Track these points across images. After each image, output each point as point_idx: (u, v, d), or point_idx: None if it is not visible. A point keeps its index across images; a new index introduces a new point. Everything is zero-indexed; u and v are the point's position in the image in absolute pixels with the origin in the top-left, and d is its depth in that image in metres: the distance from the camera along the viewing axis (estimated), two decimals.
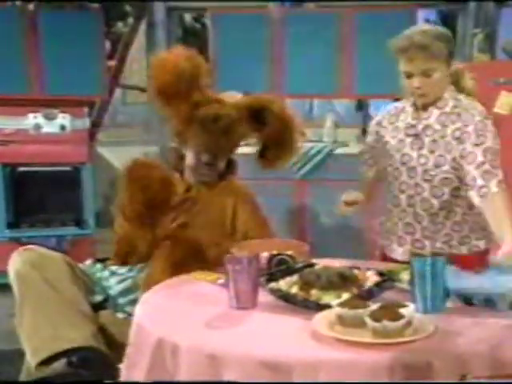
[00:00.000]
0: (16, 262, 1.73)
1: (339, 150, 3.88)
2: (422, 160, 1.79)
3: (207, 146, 1.93)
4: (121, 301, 1.78)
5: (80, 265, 1.89)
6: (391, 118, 1.93)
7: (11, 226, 3.76)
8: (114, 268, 1.90)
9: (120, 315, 1.76)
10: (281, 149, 1.99)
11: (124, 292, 1.79)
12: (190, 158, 1.97)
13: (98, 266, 1.91)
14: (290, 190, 3.88)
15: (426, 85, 1.76)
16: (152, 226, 1.88)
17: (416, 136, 1.82)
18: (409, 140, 1.84)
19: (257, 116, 1.97)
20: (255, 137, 2.03)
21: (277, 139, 1.97)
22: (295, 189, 3.89)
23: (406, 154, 1.83)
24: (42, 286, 1.68)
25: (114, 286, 1.82)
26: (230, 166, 2.06)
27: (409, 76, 1.78)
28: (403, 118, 1.89)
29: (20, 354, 1.76)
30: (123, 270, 1.88)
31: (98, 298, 1.82)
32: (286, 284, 1.45)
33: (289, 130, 1.98)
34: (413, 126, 1.84)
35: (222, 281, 1.53)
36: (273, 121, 1.96)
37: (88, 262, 1.94)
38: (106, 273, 1.87)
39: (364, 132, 4.33)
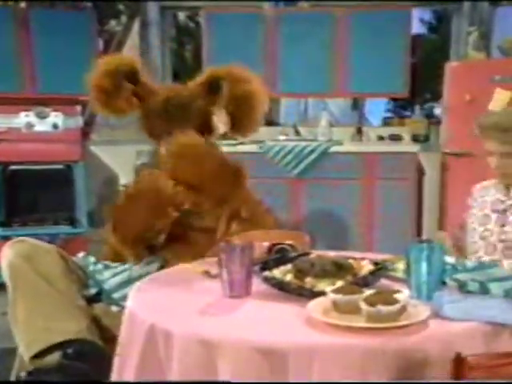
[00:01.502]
0: (8, 254, 1.71)
1: (334, 149, 3.89)
2: (503, 236, 1.78)
3: (166, 130, 1.92)
4: (115, 295, 1.76)
5: (73, 258, 1.88)
6: (482, 191, 1.91)
7: (3, 224, 3.75)
8: (107, 261, 1.89)
9: (114, 308, 1.75)
10: (243, 108, 1.96)
11: (119, 286, 1.77)
12: (162, 151, 1.97)
13: (91, 259, 1.90)
14: (285, 188, 3.89)
15: (506, 166, 1.75)
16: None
17: (503, 211, 1.81)
18: (494, 215, 1.82)
19: (212, 89, 1.96)
20: (218, 109, 2.00)
21: (235, 100, 1.94)
22: (290, 187, 3.90)
23: (488, 229, 1.82)
24: (35, 278, 1.66)
25: (109, 279, 1.81)
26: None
27: (490, 154, 1.76)
28: (493, 192, 1.88)
29: (8, 353, 1.75)
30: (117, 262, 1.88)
31: (92, 291, 1.80)
32: (280, 272, 1.45)
33: (243, 87, 1.95)
34: (501, 202, 1.83)
35: (214, 272, 1.52)
36: (225, 85, 1.94)
37: (81, 254, 1.93)
38: (100, 266, 1.86)
39: (359, 131, 4.35)
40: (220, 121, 2.02)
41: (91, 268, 1.85)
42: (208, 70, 2.04)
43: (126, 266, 1.84)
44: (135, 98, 1.96)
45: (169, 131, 1.90)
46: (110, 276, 1.81)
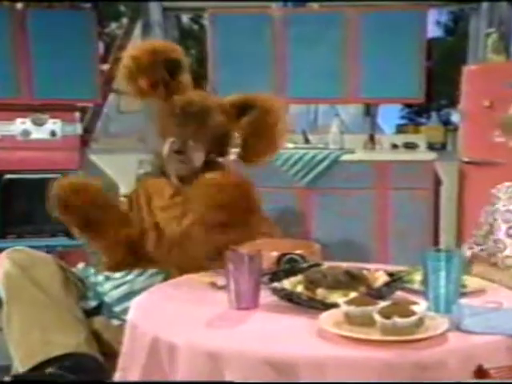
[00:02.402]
0: (4, 263, 1.73)
1: (345, 157, 3.90)
2: None
3: (176, 131, 1.96)
4: (117, 308, 1.76)
5: (72, 269, 1.89)
6: (510, 188, 1.92)
7: None
8: (107, 272, 1.90)
9: (115, 322, 1.76)
10: (260, 139, 1.99)
11: (120, 299, 1.77)
12: (164, 150, 2.00)
13: (91, 270, 1.91)
14: (294, 198, 3.89)
15: None
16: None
17: None
18: None
19: (241, 114, 2.00)
20: (238, 132, 2.04)
21: (256, 129, 1.98)
22: (299, 197, 3.90)
23: None
24: (32, 289, 1.67)
25: (109, 292, 1.82)
26: (213, 170, 2.07)
27: None
28: None
29: (2, 371, 1.75)
30: (118, 274, 1.88)
31: (92, 303, 1.81)
32: (290, 283, 1.45)
33: (270, 120, 1.99)
34: None
35: (220, 283, 1.53)
36: (254, 112, 1.98)
37: (80, 265, 1.94)
38: (100, 277, 1.87)
39: (372, 138, 4.36)
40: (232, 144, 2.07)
41: (91, 279, 1.86)
42: (246, 94, 2.07)
43: (128, 277, 1.85)
44: (165, 89, 1.98)
45: (178, 134, 1.92)
46: (110, 288, 1.82)
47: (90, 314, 1.79)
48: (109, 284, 1.83)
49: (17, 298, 1.68)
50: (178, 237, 1.87)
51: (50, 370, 1.56)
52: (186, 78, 2.03)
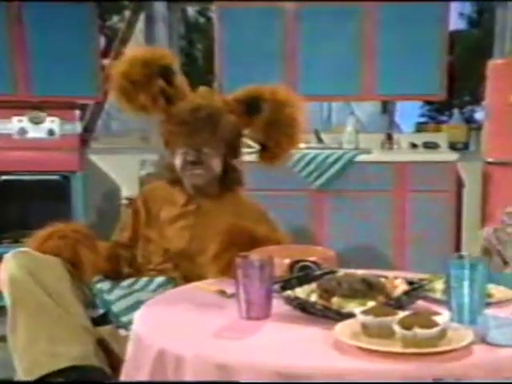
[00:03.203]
0: (10, 266, 1.70)
1: (361, 158, 3.90)
2: None
3: (189, 141, 1.95)
4: (124, 319, 1.76)
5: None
6: None
7: None
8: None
9: (123, 332, 1.75)
10: (281, 135, 1.99)
11: (128, 309, 1.76)
12: (177, 164, 2.00)
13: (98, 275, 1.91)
14: (306, 202, 3.90)
15: None
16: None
17: None
18: None
19: (251, 109, 1.98)
20: (253, 132, 2.03)
21: (274, 125, 1.97)
22: (312, 201, 3.91)
23: None
24: (40, 295, 1.67)
25: (117, 301, 1.81)
26: (233, 173, 2.08)
27: None
28: None
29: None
30: (126, 281, 1.89)
31: (99, 311, 1.81)
32: (304, 292, 1.45)
33: (287, 112, 1.98)
34: None
35: (229, 291, 1.53)
36: (267, 106, 1.97)
37: None
38: (108, 284, 1.86)
39: (389, 138, 4.36)
40: (246, 145, 2.07)
41: (98, 286, 1.87)
42: (248, 87, 2.05)
43: (136, 286, 1.85)
44: (163, 98, 1.97)
45: (190, 144, 1.92)
46: (118, 297, 1.81)
47: (97, 322, 1.79)
48: (116, 292, 1.83)
49: (23, 304, 1.67)
50: (188, 251, 1.90)
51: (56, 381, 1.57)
52: (181, 80, 2.03)
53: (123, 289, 1.85)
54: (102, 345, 1.71)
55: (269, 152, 2.03)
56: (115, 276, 1.97)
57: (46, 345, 1.61)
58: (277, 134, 1.99)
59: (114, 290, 1.84)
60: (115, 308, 1.79)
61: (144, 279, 1.90)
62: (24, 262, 1.72)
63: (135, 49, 2.03)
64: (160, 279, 1.88)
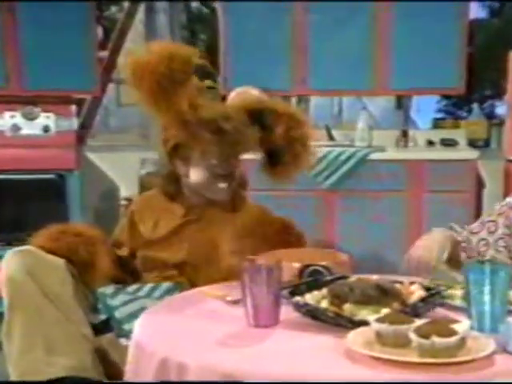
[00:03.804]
0: (10, 265, 1.70)
1: (374, 156, 3.90)
2: None
3: (222, 153, 1.91)
4: (127, 326, 1.75)
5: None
6: None
7: None
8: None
9: (124, 341, 1.76)
10: (293, 153, 1.99)
11: (131, 316, 1.74)
12: (198, 176, 1.95)
13: None
14: (315, 202, 3.90)
15: None
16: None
17: None
18: None
19: (257, 120, 1.97)
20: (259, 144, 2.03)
21: (287, 141, 1.97)
22: (322, 201, 3.91)
23: None
24: (38, 298, 1.67)
25: (120, 306, 1.81)
26: (241, 179, 2.08)
27: None
28: None
29: None
30: (131, 287, 1.90)
31: (101, 317, 1.81)
32: (314, 298, 1.46)
33: (299, 129, 1.98)
34: None
35: (235, 297, 1.54)
36: (278, 121, 1.96)
37: None
38: (111, 288, 1.86)
39: (404, 134, 4.36)
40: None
41: (101, 289, 1.86)
42: (253, 98, 2.09)
43: (141, 292, 1.86)
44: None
45: (224, 155, 1.91)
46: (122, 302, 1.81)
47: (98, 328, 1.80)
48: (120, 297, 1.83)
49: (21, 307, 1.66)
50: (190, 262, 1.92)
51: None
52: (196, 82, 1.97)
53: (128, 294, 1.85)
54: (100, 355, 1.71)
55: (279, 169, 2.03)
56: (121, 283, 1.98)
57: (42, 353, 1.62)
58: (289, 151, 1.99)
59: (117, 294, 1.84)
60: (118, 314, 1.79)
61: (149, 285, 1.90)
62: (25, 261, 1.71)
63: (163, 43, 1.89)
64: (166, 285, 1.88)
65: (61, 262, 1.77)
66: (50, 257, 1.77)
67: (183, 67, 1.82)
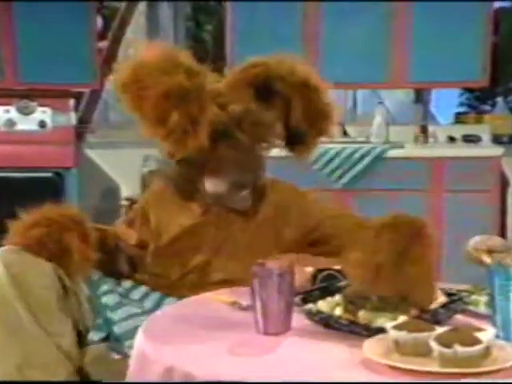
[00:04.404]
0: None
1: (392, 153, 3.90)
2: None
3: (241, 164, 1.88)
4: (128, 343, 1.72)
5: (79, 284, 1.85)
6: None
7: None
8: (126, 285, 1.90)
9: (116, 356, 1.74)
10: (315, 130, 1.95)
11: (132, 332, 1.70)
12: (215, 187, 1.91)
13: (106, 286, 1.87)
14: (330, 202, 3.89)
15: None
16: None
17: None
18: None
19: (264, 94, 1.88)
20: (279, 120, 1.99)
21: (308, 122, 1.91)
22: (336, 201, 3.90)
23: None
24: (18, 304, 1.64)
25: (122, 321, 1.77)
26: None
27: None
28: None
29: None
30: (138, 292, 1.89)
31: (100, 334, 1.77)
32: (328, 305, 1.46)
33: (319, 101, 1.90)
34: None
35: (245, 302, 1.54)
36: (293, 96, 1.88)
37: (95, 276, 1.91)
38: (114, 299, 1.83)
39: (424, 130, 4.35)
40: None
41: (103, 300, 1.82)
42: (252, 64, 1.92)
43: (146, 304, 1.83)
44: None
45: (236, 165, 1.87)
46: (123, 317, 1.77)
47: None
48: (122, 311, 1.78)
49: (0, 314, 1.65)
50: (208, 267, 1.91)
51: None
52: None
53: (130, 307, 1.81)
54: (83, 373, 1.69)
55: (301, 144, 1.98)
56: (111, 270, 1.95)
57: (14, 368, 1.59)
58: (314, 124, 1.93)
59: (119, 307, 1.81)
60: (118, 329, 1.74)
61: (157, 294, 1.89)
62: (9, 264, 1.70)
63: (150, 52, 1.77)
64: (173, 299, 1.87)
65: (47, 265, 1.75)
66: (37, 259, 1.75)
67: (199, 88, 1.74)
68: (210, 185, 1.91)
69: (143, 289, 1.93)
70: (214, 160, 1.86)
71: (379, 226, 1.51)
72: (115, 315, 1.78)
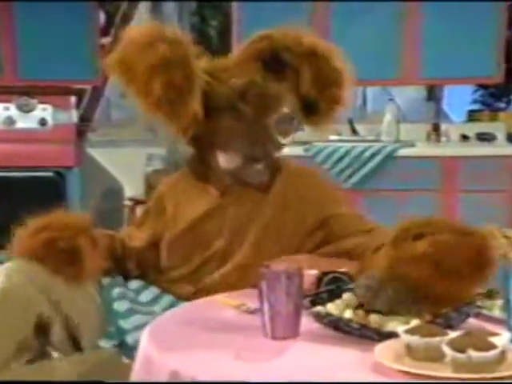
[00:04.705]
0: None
1: (403, 152, 3.90)
2: None
3: (250, 136, 1.89)
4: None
5: (91, 286, 1.85)
6: None
7: None
8: (134, 286, 1.91)
9: (126, 360, 1.74)
10: (328, 98, 1.94)
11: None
12: (228, 162, 1.93)
13: (117, 289, 1.85)
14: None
15: None
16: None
17: None
18: None
19: (273, 65, 1.91)
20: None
21: (318, 88, 1.91)
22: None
23: None
24: None
25: (134, 330, 1.74)
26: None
27: None
28: None
29: None
30: (149, 294, 1.90)
31: (112, 342, 1.76)
32: (337, 308, 1.46)
33: (329, 68, 1.92)
34: None
35: (251, 306, 1.55)
36: (302, 65, 1.90)
37: (105, 281, 1.89)
38: (125, 305, 1.81)
39: (436, 128, 4.35)
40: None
41: (114, 307, 1.81)
42: (258, 36, 1.97)
43: (157, 306, 1.83)
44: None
45: (243, 137, 1.88)
46: (135, 325, 1.75)
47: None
48: (134, 319, 1.77)
49: None
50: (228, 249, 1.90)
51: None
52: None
53: (142, 315, 1.79)
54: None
55: (316, 114, 1.96)
56: (121, 274, 1.96)
57: None
58: (326, 91, 1.92)
59: (131, 315, 1.79)
60: (130, 339, 1.72)
61: (169, 298, 1.90)
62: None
63: (148, 33, 1.80)
64: (169, 298, 1.88)
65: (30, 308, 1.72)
66: (23, 298, 1.71)
67: (182, 71, 1.77)
68: (223, 160, 1.93)
69: (154, 290, 1.94)
70: (220, 134, 1.90)
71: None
72: (127, 324, 1.76)
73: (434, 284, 1.41)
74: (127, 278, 1.98)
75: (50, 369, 1.68)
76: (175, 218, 2.00)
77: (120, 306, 1.82)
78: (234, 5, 4.23)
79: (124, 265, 2.02)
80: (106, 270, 1.87)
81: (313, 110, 1.97)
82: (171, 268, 1.97)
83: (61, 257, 1.76)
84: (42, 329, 1.72)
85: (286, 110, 1.91)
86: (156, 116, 1.81)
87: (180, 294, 1.90)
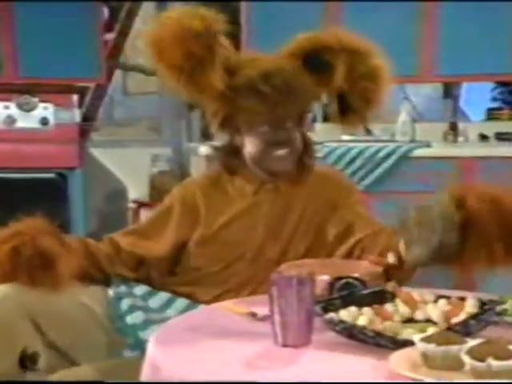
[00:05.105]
0: None
1: (418, 152, 3.89)
2: None
3: (270, 118, 1.95)
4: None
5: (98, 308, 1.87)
6: None
7: None
8: (140, 292, 1.92)
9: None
10: (362, 94, 1.99)
11: None
12: (252, 146, 2.00)
13: (126, 299, 1.88)
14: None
15: None
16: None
17: None
18: None
19: (314, 64, 1.98)
20: (323, 93, 2.05)
21: (351, 83, 1.97)
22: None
23: None
24: None
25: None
26: (310, 147, 2.10)
27: None
28: None
29: None
30: (157, 300, 1.91)
31: (135, 352, 1.77)
32: (350, 315, 1.47)
33: (364, 64, 1.99)
34: None
35: (262, 313, 1.55)
36: (337, 60, 1.97)
37: (111, 291, 1.92)
38: (140, 316, 1.82)
39: (453, 128, 4.34)
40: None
41: (128, 320, 1.83)
42: (300, 38, 2.05)
43: (171, 310, 1.85)
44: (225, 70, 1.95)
45: (272, 120, 1.94)
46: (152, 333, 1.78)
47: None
48: (151, 330, 1.76)
49: None
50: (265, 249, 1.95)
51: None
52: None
53: (158, 323, 1.80)
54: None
55: (352, 112, 2.02)
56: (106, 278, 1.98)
57: None
58: (362, 90, 1.99)
59: (147, 326, 1.79)
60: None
61: (185, 302, 1.91)
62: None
63: (179, 12, 1.94)
64: (181, 302, 1.89)
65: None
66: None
67: (203, 41, 1.85)
68: (248, 144, 2.00)
69: (162, 295, 1.96)
70: (244, 114, 1.96)
71: None
72: (146, 335, 1.75)
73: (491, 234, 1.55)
74: (109, 283, 1.99)
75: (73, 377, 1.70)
76: (208, 218, 2.03)
77: (135, 318, 1.84)
78: (243, 3, 4.23)
79: (113, 269, 2.02)
80: (87, 272, 1.90)
81: (347, 108, 2.02)
82: (198, 268, 2.01)
83: (30, 263, 1.77)
84: (27, 360, 1.74)
85: (309, 100, 2.00)
86: (180, 89, 1.89)
87: (200, 296, 1.94)
